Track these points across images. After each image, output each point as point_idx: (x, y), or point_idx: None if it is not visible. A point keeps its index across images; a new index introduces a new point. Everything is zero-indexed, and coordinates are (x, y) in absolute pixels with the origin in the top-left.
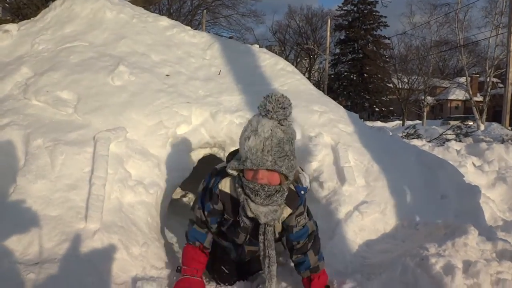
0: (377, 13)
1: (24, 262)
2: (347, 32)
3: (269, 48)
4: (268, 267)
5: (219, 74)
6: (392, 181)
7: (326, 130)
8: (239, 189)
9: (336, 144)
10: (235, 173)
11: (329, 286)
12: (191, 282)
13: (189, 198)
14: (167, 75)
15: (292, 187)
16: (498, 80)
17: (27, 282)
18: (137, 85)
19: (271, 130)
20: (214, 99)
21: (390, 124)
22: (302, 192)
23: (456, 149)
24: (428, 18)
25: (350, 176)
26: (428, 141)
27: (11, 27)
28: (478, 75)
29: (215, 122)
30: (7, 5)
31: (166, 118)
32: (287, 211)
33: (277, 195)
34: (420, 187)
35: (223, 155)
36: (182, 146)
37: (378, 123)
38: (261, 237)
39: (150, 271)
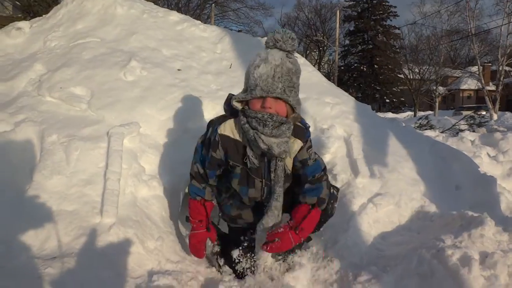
0: (386, 3)
1: (41, 256)
2: (357, 23)
3: None
4: (271, 201)
5: (230, 67)
6: (406, 173)
7: (338, 122)
8: (246, 125)
9: (349, 136)
10: (239, 106)
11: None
12: (197, 236)
13: None
14: (178, 70)
15: (297, 123)
16: (511, 69)
17: (45, 276)
18: (149, 80)
19: (281, 59)
20: (226, 92)
21: (402, 115)
22: (308, 125)
23: (470, 140)
24: (439, 7)
25: (364, 168)
26: (441, 132)
27: (24, 24)
28: (490, 64)
29: None
30: (18, 2)
31: (178, 112)
32: (298, 143)
33: (285, 126)
34: (434, 178)
35: None
36: (195, 141)
37: (389, 114)
38: (272, 175)
39: (165, 264)
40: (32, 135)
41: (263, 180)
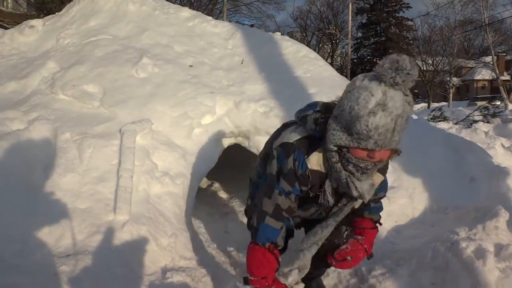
0: None
1: (56, 254)
2: (369, 15)
3: (291, 34)
4: (323, 227)
5: (241, 63)
6: (420, 166)
7: None
8: (338, 165)
9: None
10: (335, 148)
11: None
12: None
13: (216, 188)
14: (190, 66)
15: None
16: None
17: (60, 274)
18: (161, 77)
19: (402, 106)
20: (237, 88)
21: (415, 107)
22: None
23: (484, 131)
24: None
25: None
26: (454, 123)
27: (37, 22)
28: (504, 54)
29: (239, 111)
30: (32, 0)
31: (190, 108)
32: (379, 178)
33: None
34: (448, 171)
35: (247, 144)
36: (207, 136)
37: None
38: (335, 208)
39: (179, 261)
40: (45, 133)
41: (320, 209)
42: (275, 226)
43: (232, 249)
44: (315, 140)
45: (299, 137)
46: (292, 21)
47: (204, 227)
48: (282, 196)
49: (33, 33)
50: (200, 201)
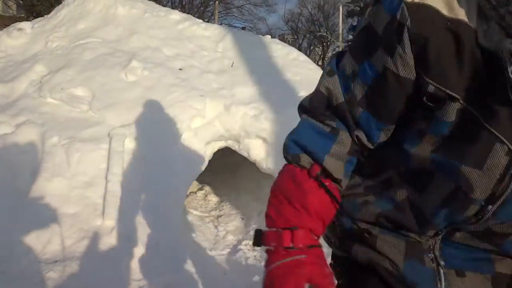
0: None
1: (43, 260)
2: (360, 18)
3: (282, 37)
4: None
5: (231, 66)
6: None
7: None
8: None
9: None
10: None
11: None
12: (292, 271)
13: (206, 191)
14: (180, 69)
15: None
16: None
17: (47, 280)
18: (150, 80)
19: None
20: (227, 91)
21: None
22: None
23: None
24: None
25: None
26: None
27: (25, 25)
28: None
29: (229, 114)
30: (21, 2)
31: (180, 112)
32: None
33: None
34: None
35: (238, 147)
36: (196, 140)
37: None
38: None
39: (168, 265)
40: (33, 137)
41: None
42: (323, 127)
43: (222, 252)
44: None
45: None
46: (283, 24)
47: (194, 230)
48: (332, 79)
49: (22, 36)
50: (191, 204)
